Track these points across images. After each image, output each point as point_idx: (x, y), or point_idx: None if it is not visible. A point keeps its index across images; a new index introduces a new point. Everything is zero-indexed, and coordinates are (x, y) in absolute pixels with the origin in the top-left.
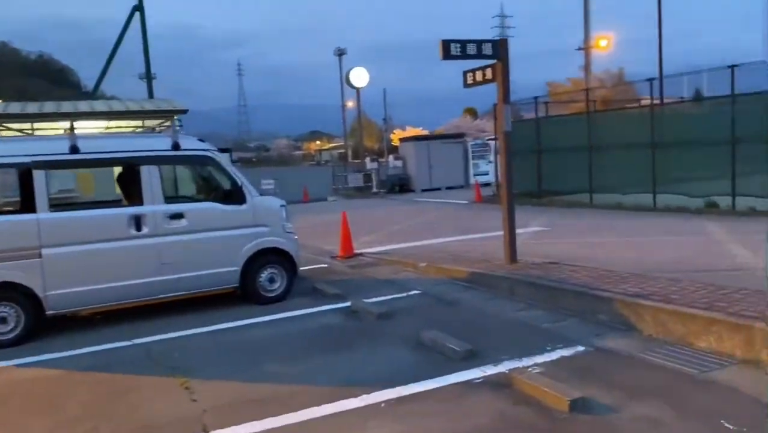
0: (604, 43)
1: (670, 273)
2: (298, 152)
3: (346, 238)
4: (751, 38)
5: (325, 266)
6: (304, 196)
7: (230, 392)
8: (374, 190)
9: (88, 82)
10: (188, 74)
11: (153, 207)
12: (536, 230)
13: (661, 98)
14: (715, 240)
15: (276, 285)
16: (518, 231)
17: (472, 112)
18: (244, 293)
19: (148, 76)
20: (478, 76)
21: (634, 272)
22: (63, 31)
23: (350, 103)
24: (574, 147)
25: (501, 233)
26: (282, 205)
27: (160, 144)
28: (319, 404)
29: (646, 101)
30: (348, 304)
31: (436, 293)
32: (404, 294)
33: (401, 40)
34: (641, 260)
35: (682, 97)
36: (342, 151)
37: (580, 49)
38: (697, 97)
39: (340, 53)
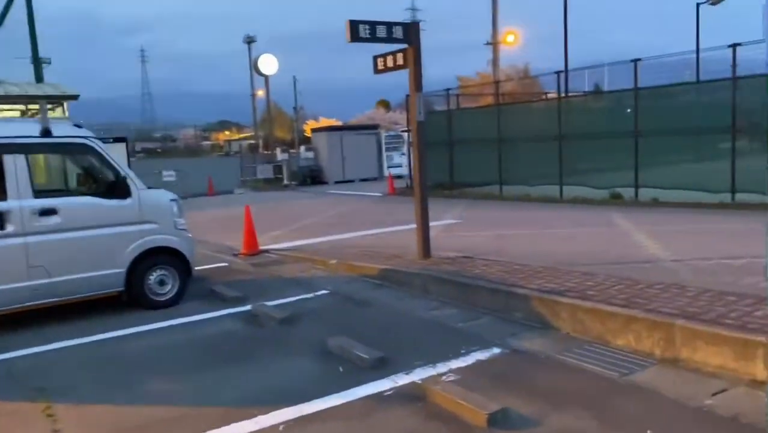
0: (511, 38)
1: (583, 266)
2: (206, 142)
3: (250, 233)
4: (662, 36)
5: (226, 264)
6: (209, 189)
7: (103, 418)
8: (285, 182)
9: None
10: (90, 60)
11: (19, 202)
12: (449, 222)
13: (566, 91)
14: (623, 231)
15: (167, 288)
16: (431, 224)
17: (386, 104)
18: (130, 297)
19: (35, 57)
20: (389, 61)
21: (548, 265)
22: None
23: (260, 92)
24: (484, 139)
25: (414, 226)
26: (173, 200)
27: (28, 130)
28: (206, 431)
29: (553, 95)
30: (248, 308)
31: (346, 292)
32: (311, 295)
33: (315, 30)
34: (553, 252)
35: (585, 92)
36: (252, 142)
37: (488, 44)
38: (599, 90)
39: (250, 41)
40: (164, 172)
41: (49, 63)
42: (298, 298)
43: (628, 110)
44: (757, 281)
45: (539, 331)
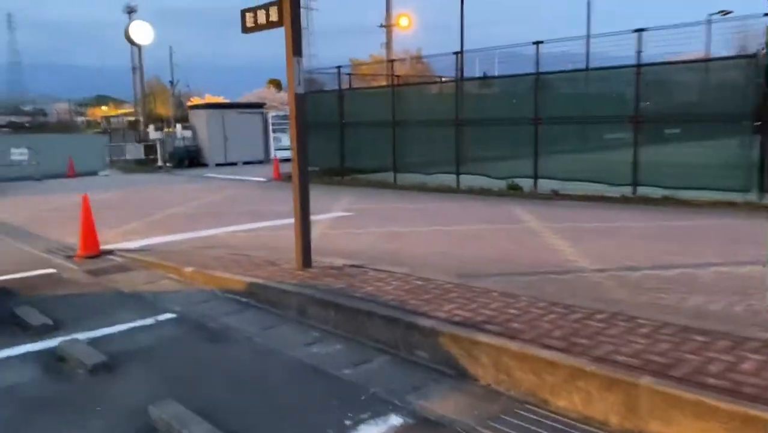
0: (405, 21)
1: (497, 277)
2: (81, 118)
3: (88, 231)
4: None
5: (53, 271)
6: (70, 170)
7: None
8: (159, 164)
9: None
10: None
11: None
12: (338, 215)
13: (462, 76)
14: (530, 229)
15: None
16: (317, 217)
17: (277, 84)
18: None
19: None
20: (260, 17)
21: (456, 277)
22: None
23: (141, 67)
24: (377, 122)
25: (289, 221)
26: None
27: None
28: None
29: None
30: (55, 343)
31: (198, 316)
32: (151, 320)
33: (207, 5)
34: (458, 257)
35: (485, 75)
36: (132, 118)
37: (382, 26)
38: (500, 76)
39: (130, 11)
40: (13, 150)
41: None
42: (131, 326)
43: (514, 101)
44: (707, 303)
45: (451, 382)
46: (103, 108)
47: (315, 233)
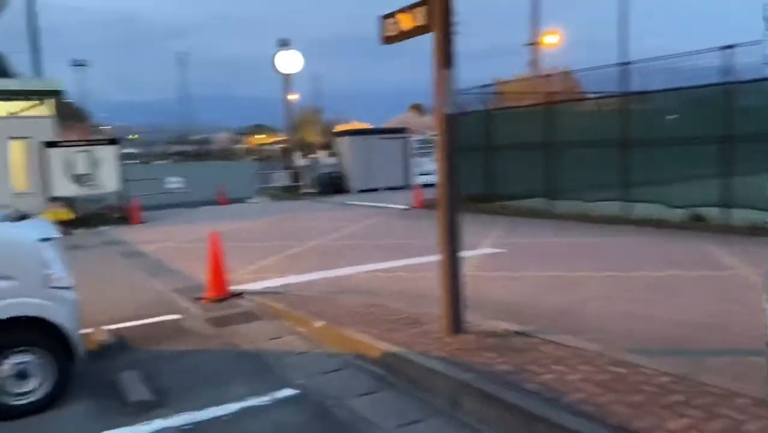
0: (553, 39)
1: (724, 359)
2: (239, 146)
3: (216, 272)
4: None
5: (176, 318)
6: (220, 198)
7: None
8: (304, 190)
9: (22, 68)
10: (131, 64)
11: None
12: (487, 252)
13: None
14: (743, 279)
15: (30, 385)
16: (463, 254)
17: (418, 108)
18: None
19: (34, 49)
20: (404, 22)
21: (666, 359)
22: None
23: (293, 96)
24: (528, 144)
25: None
26: (44, 240)
27: None
28: None
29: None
30: (152, 430)
31: (324, 394)
32: (268, 397)
33: (348, 33)
34: (654, 320)
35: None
36: (283, 146)
37: (528, 45)
38: (684, 87)
39: (283, 44)
40: (168, 179)
41: (85, 65)
42: (243, 406)
43: (672, 117)
44: None
45: None
46: (259, 136)
47: (463, 275)
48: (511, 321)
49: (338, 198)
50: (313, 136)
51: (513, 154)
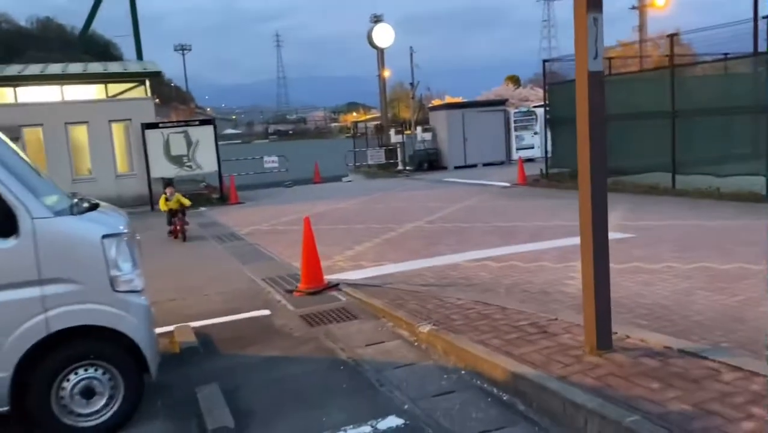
0: (660, 1)
1: None
2: (334, 124)
3: (310, 262)
4: None
5: (266, 314)
6: (316, 176)
7: None
8: (399, 168)
9: (132, 56)
10: (230, 48)
11: None
12: (615, 237)
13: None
14: None
15: (97, 404)
16: (570, 243)
17: (515, 80)
18: (27, 418)
19: (136, 33)
20: None
21: None
22: (105, 5)
23: (387, 73)
24: (647, 113)
25: (560, 241)
26: (109, 235)
27: None
28: None
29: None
30: None
31: (436, 426)
32: (369, 429)
33: (441, 8)
34: None
35: None
36: (377, 123)
37: (633, 8)
38: None
39: (376, 20)
40: (266, 158)
41: (190, 50)
42: None
43: None
44: None
45: None
46: (354, 114)
47: None
48: (664, 332)
49: (434, 175)
50: (407, 113)
51: (628, 124)
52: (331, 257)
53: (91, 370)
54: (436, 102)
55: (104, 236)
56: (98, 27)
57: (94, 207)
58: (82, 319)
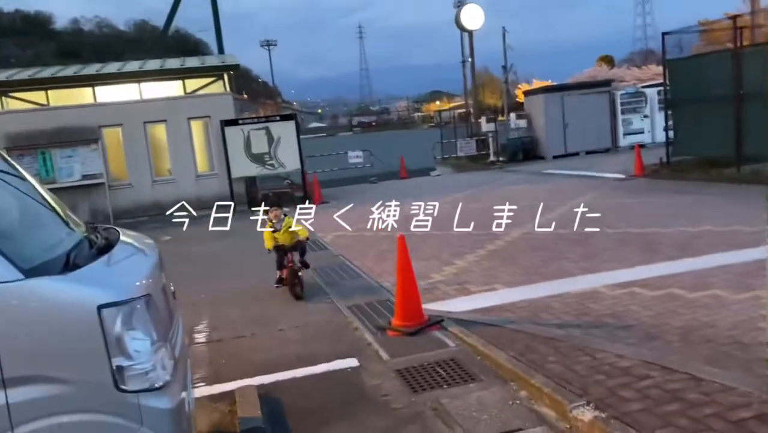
0: None
1: None
2: (417, 114)
3: (408, 293)
4: None
5: (354, 365)
6: (402, 171)
7: None
8: (491, 159)
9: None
10: (314, 43)
11: None
12: None
13: None
14: None
15: None
16: (731, 256)
17: (609, 61)
18: None
19: (217, 28)
20: None
21: None
22: (194, 5)
23: (474, 58)
24: None
25: (724, 256)
26: (112, 304)
27: None
28: None
29: None
30: None
31: None
32: None
33: None
34: None
35: None
36: (461, 111)
37: None
38: None
39: (460, 4)
40: (350, 154)
41: (275, 45)
42: None
43: None
44: None
45: None
46: (437, 103)
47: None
48: None
49: (532, 166)
50: (492, 99)
51: None
52: (428, 276)
53: None
54: (523, 87)
55: (102, 306)
56: (188, 26)
57: (107, 247)
58: None
